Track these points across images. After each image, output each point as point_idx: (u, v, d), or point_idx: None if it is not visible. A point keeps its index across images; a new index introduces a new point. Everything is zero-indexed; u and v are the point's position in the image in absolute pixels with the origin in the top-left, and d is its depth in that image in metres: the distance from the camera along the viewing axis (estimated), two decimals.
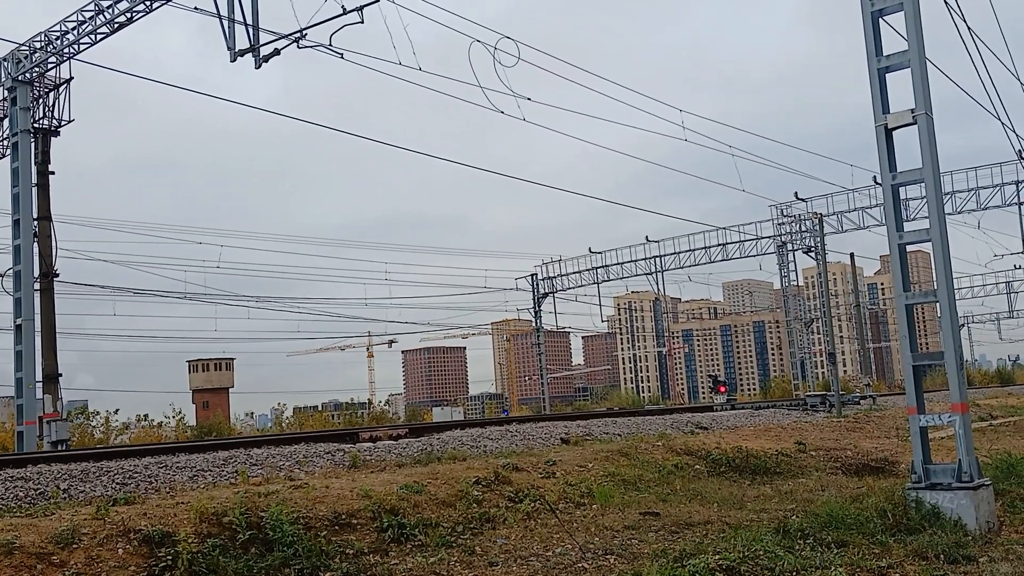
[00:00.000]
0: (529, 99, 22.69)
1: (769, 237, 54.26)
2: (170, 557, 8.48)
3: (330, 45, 18.18)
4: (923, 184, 11.61)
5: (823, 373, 65.76)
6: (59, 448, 24.37)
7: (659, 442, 18.09)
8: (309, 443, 15.78)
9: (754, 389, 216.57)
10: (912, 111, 11.59)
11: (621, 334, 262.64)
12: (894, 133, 12.03)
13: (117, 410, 61.73)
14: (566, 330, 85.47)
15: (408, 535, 10.36)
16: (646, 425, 22.46)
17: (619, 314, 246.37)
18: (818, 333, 68.11)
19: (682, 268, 57.67)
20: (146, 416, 63.27)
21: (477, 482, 12.52)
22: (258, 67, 20.18)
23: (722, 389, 37.31)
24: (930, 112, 11.57)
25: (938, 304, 11.54)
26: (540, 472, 14.18)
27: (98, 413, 59.12)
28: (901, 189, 12.22)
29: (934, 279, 11.69)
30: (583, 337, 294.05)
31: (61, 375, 29.61)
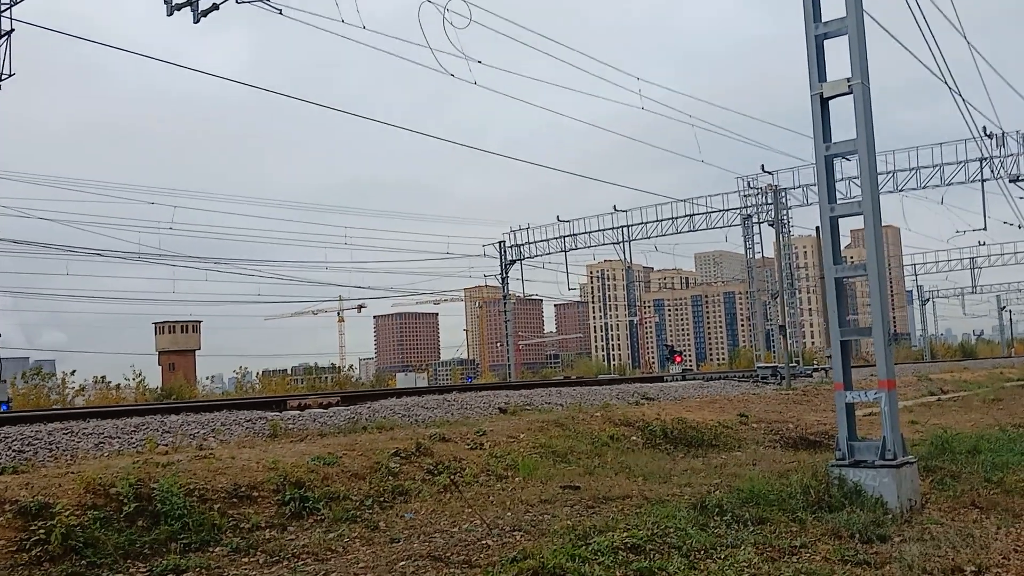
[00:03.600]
0: (480, 62, 22.16)
1: (735, 209, 54.24)
2: (44, 530, 8.06)
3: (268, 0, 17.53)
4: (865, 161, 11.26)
5: (790, 344, 65.95)
6: None
7: (599, 412, 17.81)
8: (232, 411, 15.34)
9: (723, 359, 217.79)
10: (848, 80, 11.24)
11: (593, 302, 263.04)
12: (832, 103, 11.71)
13: (74, 371, 60.94)
14: (533, 297, 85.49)
15: (311, 509, 9.99)
16: (592, 395, 22.21)
17: (591, 283, 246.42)
18: (786, 305, 68.38)
19: (649, 238, 57.60)
20: (103, 378, 62.31)
21: (395, 453, 12.16)
22: (196, 21, 19.47)
23: (677, 359, 37.23)
24: (867, 81, 11.22)
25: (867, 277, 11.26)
26: (468, 443, 13.84)
27: (53, 375, 58.34)
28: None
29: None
30: (555, 305, 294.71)
31: (0, 335, 28.92)
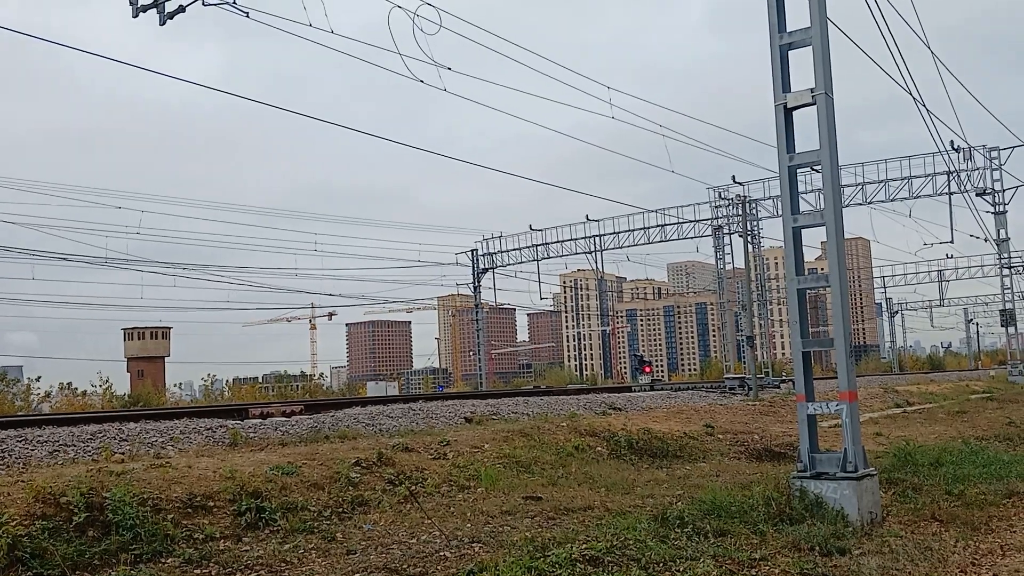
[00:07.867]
0: (450, 68, 22.11)
1: (706, 220, 54.43)
2: None
3: (234, 3, 17.35)
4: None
5: (760, 355, 66.17)
6: None
7: (565, 423, 17.73)
8: (192, 418, 15.12)
9: (695, 369, 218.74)
10: (812, 91, 11.28)
11: (566, 312, 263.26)
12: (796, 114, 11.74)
13: (39, 377, 60.14)
14: (505, 306, 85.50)
15: (268, 520, 9.83)
16: (560, 405, 22.13)
17: (564, 292, 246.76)
18: (755, 316, 68.84)
19: (621, 248, 57.72)
20: (69, 384, 61.51)
21: (356, 463, 12.00)
22: (162, 24, 19.24)
23: (647, 369, 37.26)
24: (830, 92, 11.27)
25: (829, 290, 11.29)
26: (431, 453, 13.71)
27: (18, 381, 57.57)
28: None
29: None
30: (528, 314, 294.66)
31: None
